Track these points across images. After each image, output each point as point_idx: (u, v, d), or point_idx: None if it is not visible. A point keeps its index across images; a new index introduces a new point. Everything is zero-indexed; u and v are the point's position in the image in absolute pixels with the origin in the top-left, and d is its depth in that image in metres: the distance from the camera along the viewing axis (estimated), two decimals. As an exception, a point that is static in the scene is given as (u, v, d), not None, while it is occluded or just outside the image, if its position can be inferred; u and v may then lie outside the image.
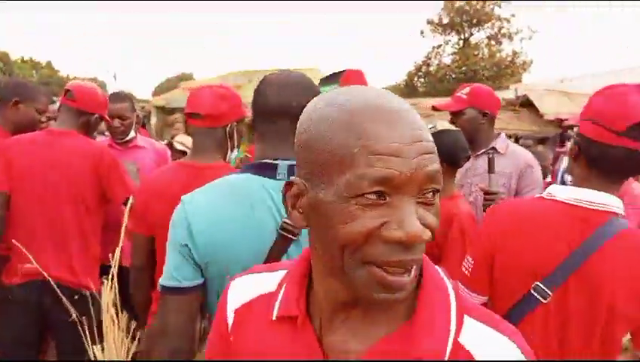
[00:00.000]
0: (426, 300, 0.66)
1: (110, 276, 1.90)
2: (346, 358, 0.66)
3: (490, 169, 2.25)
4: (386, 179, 0.57)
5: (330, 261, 0.63)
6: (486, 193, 2.20)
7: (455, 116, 2.46)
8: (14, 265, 2.26)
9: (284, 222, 1.18)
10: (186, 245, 1.18)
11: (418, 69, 28.50)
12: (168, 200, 1.71)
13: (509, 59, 26.38)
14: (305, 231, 1.16)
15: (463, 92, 2.49)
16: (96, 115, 2.42)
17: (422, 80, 28.57)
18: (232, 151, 1.90)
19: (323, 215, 0.61)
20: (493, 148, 2.43)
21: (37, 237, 2.23)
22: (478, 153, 2.44)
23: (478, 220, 2.06)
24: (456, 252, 1.94)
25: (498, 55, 26.71)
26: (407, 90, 28.34)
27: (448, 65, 26.99)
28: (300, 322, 0.70)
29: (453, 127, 2.17)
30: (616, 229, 1.27)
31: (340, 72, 2.08)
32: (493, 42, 27.23)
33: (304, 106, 1.22)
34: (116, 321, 1.87)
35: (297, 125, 0.67)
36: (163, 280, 1.20)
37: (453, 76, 25.39)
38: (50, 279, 2.08)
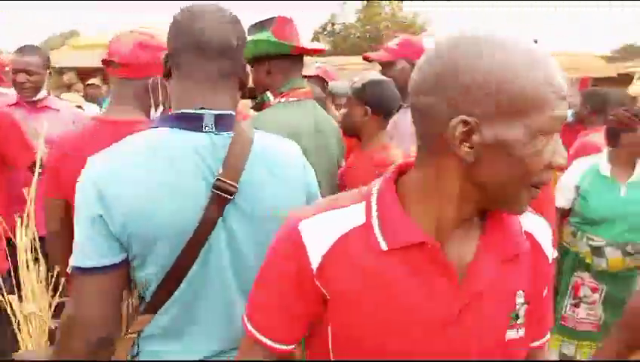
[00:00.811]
0: None
1: (26, 214, 1.67)
2: (464, 266, 0.79)
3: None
4: (564, 118, 0.70)
5: (489, 185, 0.73)
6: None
7: (386, 68, 2.45)
8: None
9: (219, 180, 1.05)
10: (100, 216, 1.00)
11: (324, 27, 28.34)
12: (81, 159, 1.58)
13: (410, 17, 27.00)
14: (245, 192, 1.07)
15: (394, 43, 2.48)
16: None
17: (328, 39, 28.50)
18: (156, 108, 1.74)
19: (507, 149, 0.69)
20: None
21: None
22: (408, 104, 2.45)
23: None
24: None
25: (400, 14, 27.21)
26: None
27: (353, 24, 27.10)
28: (433, 248, 0.76)
29: (384, 78, 2.16)
30: None
31: (271, 19, 1.96)
32: (395, 0, 27.65)
33: (241, 45, 1.13)
34: (34, 269, 1.62)
35: (451, 63, 0.69)
36: (76, 260, 1.02)
37: (358, 35, 25.54)
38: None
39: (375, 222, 0.78)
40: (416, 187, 0.79)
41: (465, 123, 0.69)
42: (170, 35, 1.12)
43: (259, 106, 1.92)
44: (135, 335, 1.11)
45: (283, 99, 1.85)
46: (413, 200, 0.79)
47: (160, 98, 1.73)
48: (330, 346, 0.84)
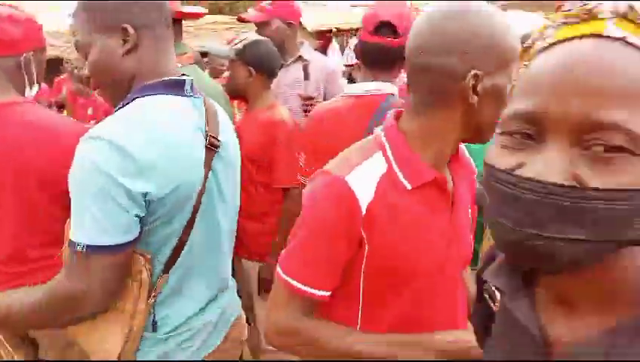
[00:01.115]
0: None
1: None
2: (457, 191, 1.02)
3: (306, 76, 2.39)
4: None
5: (483, 122, 0.93)
6: (304, 98, 2.35)
7: (261, 27, 2.49)
8: None
9: (212, 137, 1.16)
10: (126, 187, 0.99)
11: (173, -15, 26.80)
12: None
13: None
14: (222, 144, 1.20)
15: (267, 3, 2.52)
16: None
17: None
18: (31, 86, 1.64)
19: (498, 93, 0.91)
20: (300, 57, 2.55)
21: None
22: (288, 63, 2.54)
23: (299, 124, 2.22)
24: (287, 155, 2.08)
25: (252, -30, 26.52)
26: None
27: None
28: (442, 181, 0.97)
29: (264, 38, 2.22)
30: (391, 103, 1.65)
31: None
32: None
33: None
34: None
35: (464, 30, 0.88)
36: (90, 238, 0.99)
37: None
38: None
39: (396, 167, 0.95)
40: (419, 133, 0.96)
41: (475, 76, 0.88)
42: (131, 9, 1.11)
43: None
44: (154, 300, 1.13)
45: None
46: (416, 144, 0.96)
47: (34, 75, 1.63)
48: (361, 288, 0.98)
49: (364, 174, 0.94)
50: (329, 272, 0.96)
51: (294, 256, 0.98)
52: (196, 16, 1.98)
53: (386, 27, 1.61)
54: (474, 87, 0.89)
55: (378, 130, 1.00)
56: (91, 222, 0.99)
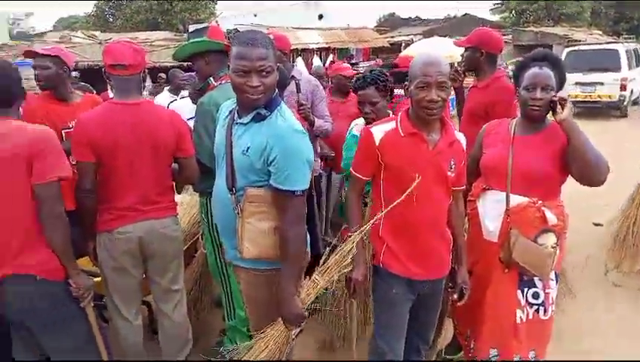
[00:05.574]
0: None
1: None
2: (434, 143, 2.13)
3: (298, 90, 3.40)
4: (424, 83, 2.04)
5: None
6: (299, 105, 3.37)
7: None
8: None
9: None
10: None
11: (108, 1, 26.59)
12: (110, 130, 2.33)
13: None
14: None
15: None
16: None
17: (114, 12, 26.96)
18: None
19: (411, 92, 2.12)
20: (293, 77, 3.56)
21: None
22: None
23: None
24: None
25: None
26: (100, 22, 26.58)
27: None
28: (420, 135, 2.11)
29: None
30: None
31: (205, 27, 2.85)
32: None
33: None
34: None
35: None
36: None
37: (152, 7, 24.65)
38: None
39: (399, 126, 2.12)
40: (411, 112, 2.13)
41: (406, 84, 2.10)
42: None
43: (205, 88, 2.84)
44: None
45: (224, 81, 2.78)
46: (412, 117, 2.13)
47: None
48: (382, 181, 2.15)
49: (381, 127, 2.17)
50: (366, 167, 2.20)
51: (354, 161, 2.27)
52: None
53: None
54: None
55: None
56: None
